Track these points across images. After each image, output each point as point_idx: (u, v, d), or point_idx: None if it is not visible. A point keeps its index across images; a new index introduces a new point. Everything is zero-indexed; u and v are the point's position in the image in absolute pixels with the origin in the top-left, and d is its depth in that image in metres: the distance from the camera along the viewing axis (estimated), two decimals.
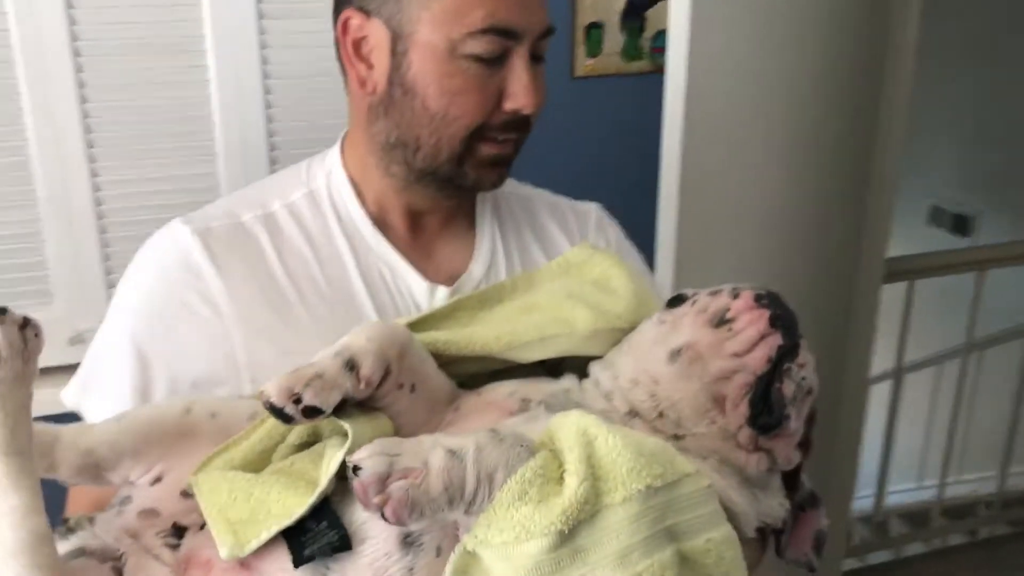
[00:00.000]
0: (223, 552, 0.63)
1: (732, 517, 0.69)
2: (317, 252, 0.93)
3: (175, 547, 0.69)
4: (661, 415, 0.72)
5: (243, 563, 0.64)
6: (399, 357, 0.73)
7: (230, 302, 0.88)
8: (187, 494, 0.71)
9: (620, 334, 0.82)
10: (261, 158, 1.62)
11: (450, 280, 0.96)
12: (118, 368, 0.89)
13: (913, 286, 2.53)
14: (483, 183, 0.94)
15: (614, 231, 1.10)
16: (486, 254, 0.99)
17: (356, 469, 0.57)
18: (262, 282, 0.90)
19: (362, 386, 0.69)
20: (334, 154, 1.00)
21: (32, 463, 0.61)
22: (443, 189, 0.94)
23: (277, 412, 0.66)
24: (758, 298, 0.74)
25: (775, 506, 0.73)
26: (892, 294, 2.38)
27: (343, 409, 0.71)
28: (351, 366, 0.69)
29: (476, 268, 0.98)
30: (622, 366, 0.77)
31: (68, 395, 0.94)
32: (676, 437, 0.71)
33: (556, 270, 0.94)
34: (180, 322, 0.88)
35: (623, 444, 0.60)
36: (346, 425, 0.68)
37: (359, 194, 0.96)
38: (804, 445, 0.76)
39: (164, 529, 0.70)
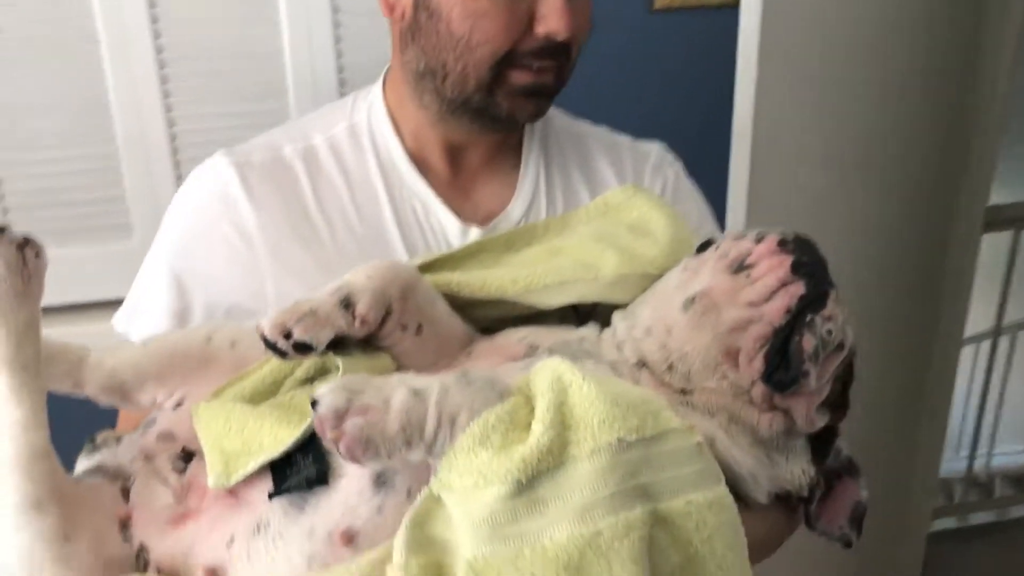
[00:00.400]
0: (210, 481, 0.64)
1: (736, 481, 0.65)
2: (352, 188, 0.92)
3: (182, 472, 0.71)
4: (671, 367, 0.68)
5: (232, 492, 0.65)
6: (401, 297, 0.72)
7: (262, 235, 0.89)
8: None
9: (651, 280, 0.78)
10: (331, 93, 1.62)
11: (487, 220, 0.94)
12: (158, 295, 0.91)
13: (1019, 236, 2.34)
14: (519, 114, 0.90)
15: (674, 171, 1.04)
16: (527, 194, 0.96)
17: (315, 403, 0.56)
18: (295, 217, 0.90)
19: (357, 324, 0.68)
20: (376, 87, 0.98)
21: (38, 380, 0.63)
22: (477, 121, 0.91)
23: (271, 346, 0.67)
24: (783, 243, 0.68)
25: (796, 472, 0.69)
26: (994, 245, 2.21)
27: (344, 347, 0.70)
28: (347, 304, 0.69)
29: (515, 208, 0.95)
30: (640, 314, 0.74)
31: (117, 322, 0.98)
32: (683, 392, 0.68)
33: (594, 212, 0.90)
34: (214, 252, 0.89)
35: (598, 393, 0.57)
36: (338, 361, 0.68)
37: (397, 128, 0.95)
38: (837, 407, 0.70)
39: (176, 453, 0.72)
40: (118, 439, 0.75)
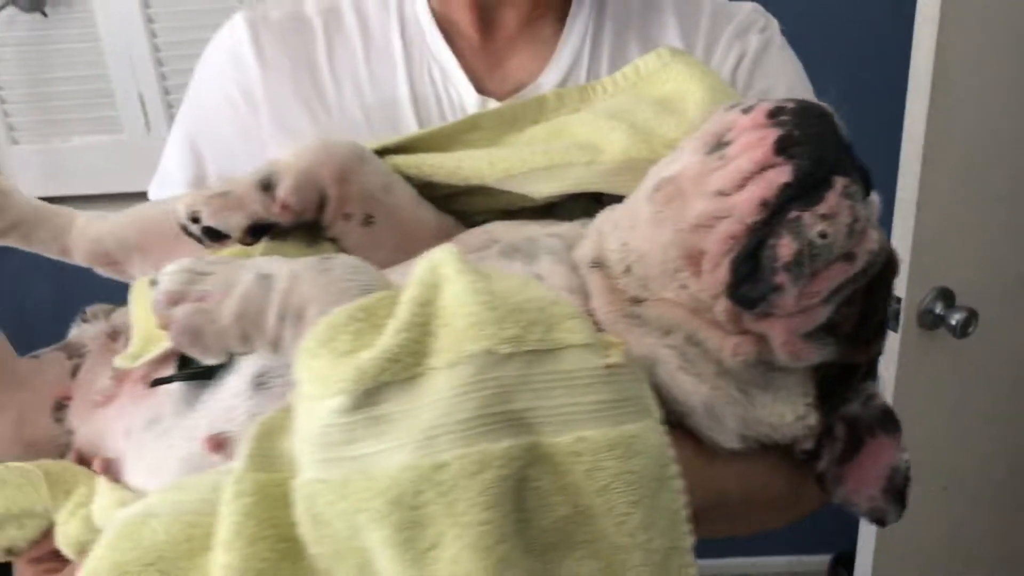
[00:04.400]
0: (116, 360, 0.61)
1: (687, 417, 0.52)
2: (369, 50, 0.83)
3: None
4: (628, 270, 0.54)
5: (144, 376, 0.61)
6: (339, 180, 0.63)
7: (267, 98, 0.82)
8: None
9: None
10: None
11: (514, 92, 0.81)
12: (177, 161, 0.87)
13: None
14: None
15: (761, 39, 0.83)
16: (565, 61, 0.81)
17: (155, 283, 0.50)
18: (302, 80, 0.82)
19: (276, 209, 0.61)
20: None
21: None
22: None
23: (184, 230, 0.61)
24: (774, 113, 0.51)
25: (786, 416, 0.53)
26: None
27: (288, 234, 0.64)
28: (266, 185, 0.61)
29: (547, 79, 0.81)
30: (623, 205, 0.60)
31: (151, 191, 0.94)
32: (635, 300, 0.54)
33: (622, 82, 0.75)
34: (221, 115, 0.84)
35: (472, 290, 0.45)
36: (260, 247, 0.62)
37: None
38: (852, 339, 0.52)
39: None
40: (107, 313, 0.75)
